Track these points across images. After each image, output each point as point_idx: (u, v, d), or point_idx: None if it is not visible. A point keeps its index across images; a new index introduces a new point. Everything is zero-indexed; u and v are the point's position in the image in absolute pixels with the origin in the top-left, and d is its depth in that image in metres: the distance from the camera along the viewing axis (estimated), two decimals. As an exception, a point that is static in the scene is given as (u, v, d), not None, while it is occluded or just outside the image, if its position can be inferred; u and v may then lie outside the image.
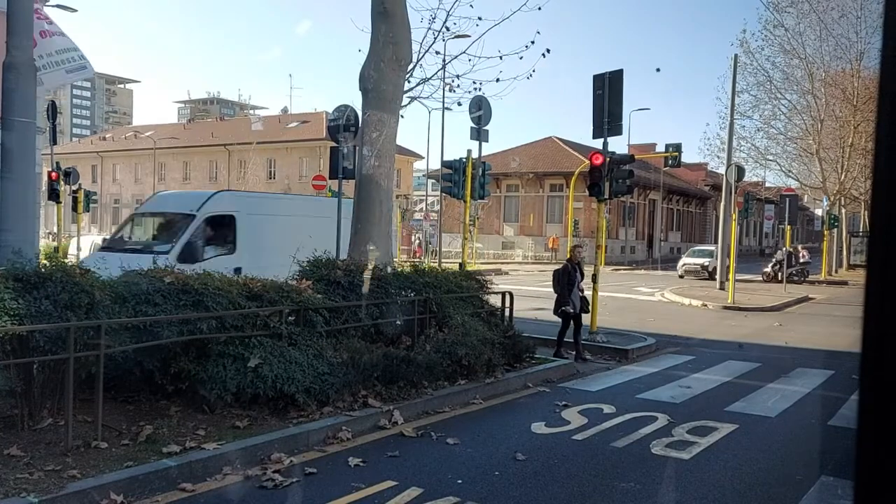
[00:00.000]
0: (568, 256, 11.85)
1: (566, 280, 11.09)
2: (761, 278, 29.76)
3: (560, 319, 11.25)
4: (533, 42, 11.86)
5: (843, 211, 39.42)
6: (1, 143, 7.00)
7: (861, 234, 42.62)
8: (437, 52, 12.26)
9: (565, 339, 11.25)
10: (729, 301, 20.36)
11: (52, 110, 20.88)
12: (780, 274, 27.18)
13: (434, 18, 11.34)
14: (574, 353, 11.09)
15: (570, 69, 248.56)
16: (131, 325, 6.05)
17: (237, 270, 9.82)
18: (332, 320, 7.66)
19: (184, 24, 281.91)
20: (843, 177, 34.00)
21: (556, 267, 11.80)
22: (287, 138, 53.39)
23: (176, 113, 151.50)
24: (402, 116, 10.12)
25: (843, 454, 6.32)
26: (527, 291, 19.41)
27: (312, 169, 46.81)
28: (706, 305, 20.18)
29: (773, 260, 29.74)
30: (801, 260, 30.00)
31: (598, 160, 12.28)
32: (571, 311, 11.03)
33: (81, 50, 9.37)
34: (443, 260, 29.20)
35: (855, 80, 32.03)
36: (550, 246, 44.45)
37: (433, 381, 8.01)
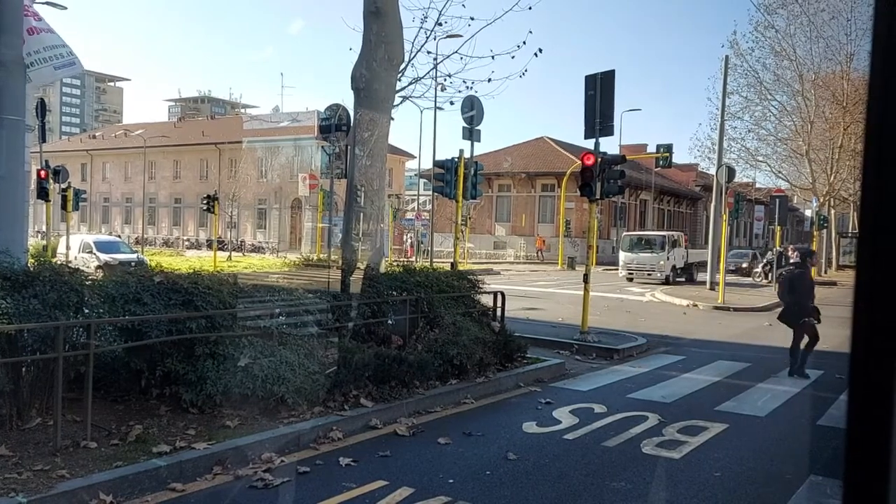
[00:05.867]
0: (798, 260, 11.05)
1: (809, 288, 10.47)
2: (751, 279, 29.92)
3: (792, 330, 10.48)
4: (525, 42, 11.86)
5: (833, 212, 39.67)
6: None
7: (850, 234, 42.89)
8: (429, 52, 12.21)
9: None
10: (719, 301, 20.44)
11: (42, 108, 20.74)
12: (770, 274, 27.32)
13: (426, 18, 11.30)
14: (798, 368, 10.33)
15: (562, 69, 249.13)
16: (120, 325, 6.02)
17: None
18: (323, 320, 7.65)
19: (175, 23, 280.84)
20: (832, 178, 34.22)
21: (782, 270, 10.79)
22: (278, 137, 53.19)
23: (166, 111, 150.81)
24: (392, 119, 10.11)
25: (831, 454, 6.36)
26: (519, 291, 19.38)
27: (304, 168, 46.69)
28: (697, 305, 20.25)
29: (764, 260, 29.88)
30: (791, 261, 30.10)
31: (590, 160, 12.29)
32: (816, 322, 10.26)
33: (70, 46, 9.27)
34: (434, 260, 29.14)
35: (845, 81, 32.21)
36: (537, 247, 44.47)
37: (425, 381, 8.00)
